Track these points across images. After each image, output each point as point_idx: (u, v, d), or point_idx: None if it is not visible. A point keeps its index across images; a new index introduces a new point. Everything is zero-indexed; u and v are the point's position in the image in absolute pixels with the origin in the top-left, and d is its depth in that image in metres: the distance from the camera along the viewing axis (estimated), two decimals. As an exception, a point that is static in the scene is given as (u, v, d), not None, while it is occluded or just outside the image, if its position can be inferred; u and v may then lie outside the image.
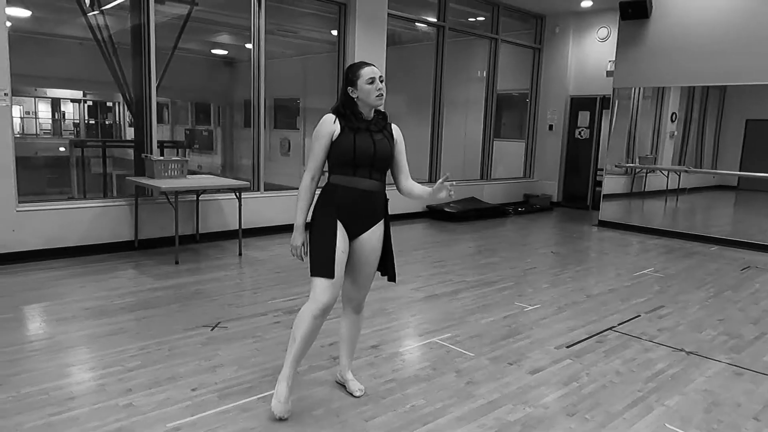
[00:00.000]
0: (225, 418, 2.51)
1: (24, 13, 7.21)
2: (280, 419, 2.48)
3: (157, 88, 5.87)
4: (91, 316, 3.76)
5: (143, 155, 5.64)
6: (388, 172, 2.66)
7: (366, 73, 2.49)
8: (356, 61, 2.71)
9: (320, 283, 2.45)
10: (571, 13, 9.65)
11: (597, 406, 2.77)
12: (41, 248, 5.12)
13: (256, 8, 6.44)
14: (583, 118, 9.91)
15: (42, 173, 9.24)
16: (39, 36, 8.68)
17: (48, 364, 3.01)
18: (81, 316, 3.77)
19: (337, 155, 2.49)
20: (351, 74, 2.52)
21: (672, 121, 8.17)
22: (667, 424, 2.61)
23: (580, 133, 9.96)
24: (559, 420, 2.62)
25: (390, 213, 2.66)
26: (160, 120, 13.05)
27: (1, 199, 4.87)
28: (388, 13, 7.48)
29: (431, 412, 2.64)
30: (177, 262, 5.18)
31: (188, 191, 5.41)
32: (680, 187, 7.97)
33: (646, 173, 8.46)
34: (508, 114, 10.83)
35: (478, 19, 9.52)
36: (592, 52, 9.62)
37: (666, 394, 2.92)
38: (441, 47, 8.48)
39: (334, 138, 2.49)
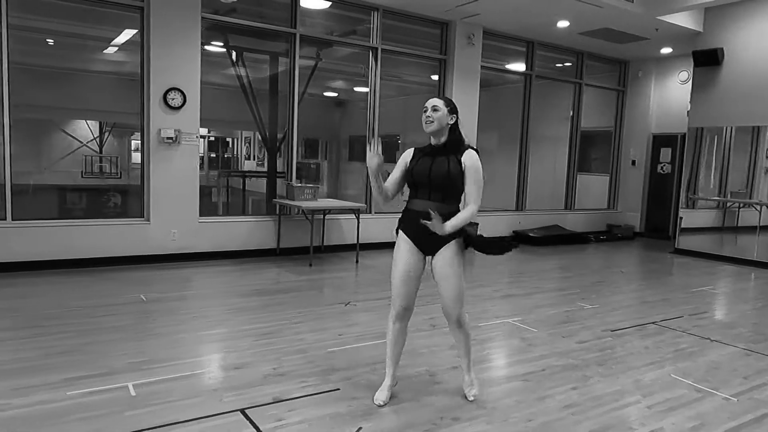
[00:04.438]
0: (358, 350, 3.86)
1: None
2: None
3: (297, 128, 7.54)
4: (256, 294, 5.31)
5: (287, 182, 7.30)
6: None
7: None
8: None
9: None
10: (653, 59, 10.50)
11: (621, 362, 3.83)
12: (212, 251, 6.85)
13: (373, 61, 8.02)
14: (665, 154, 10.62)
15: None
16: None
17: (217, 318, 4.53)
18: (250, 294, 5.33)
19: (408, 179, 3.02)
20: None
21: (767, 157, 8.71)
22: (672, 374, 3.63)
23: (662, 168, 10.66)
24: (591, 367, 3.71)
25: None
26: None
27: (189, 213, 6.66)
28: (481, 65, 8.83)
29: (497, 359, 3.83)
30: (311, 265, 6.70)
31: (319, 210, 6.96)
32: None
33: (739, 207, 8.93)
34: (595, 150, 11.70)
35: (565, 65, 10.62)
36: (673, 94, 10.39)
37: (680, 360, 3.91)
38: (528, 92, 9.69)
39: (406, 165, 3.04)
